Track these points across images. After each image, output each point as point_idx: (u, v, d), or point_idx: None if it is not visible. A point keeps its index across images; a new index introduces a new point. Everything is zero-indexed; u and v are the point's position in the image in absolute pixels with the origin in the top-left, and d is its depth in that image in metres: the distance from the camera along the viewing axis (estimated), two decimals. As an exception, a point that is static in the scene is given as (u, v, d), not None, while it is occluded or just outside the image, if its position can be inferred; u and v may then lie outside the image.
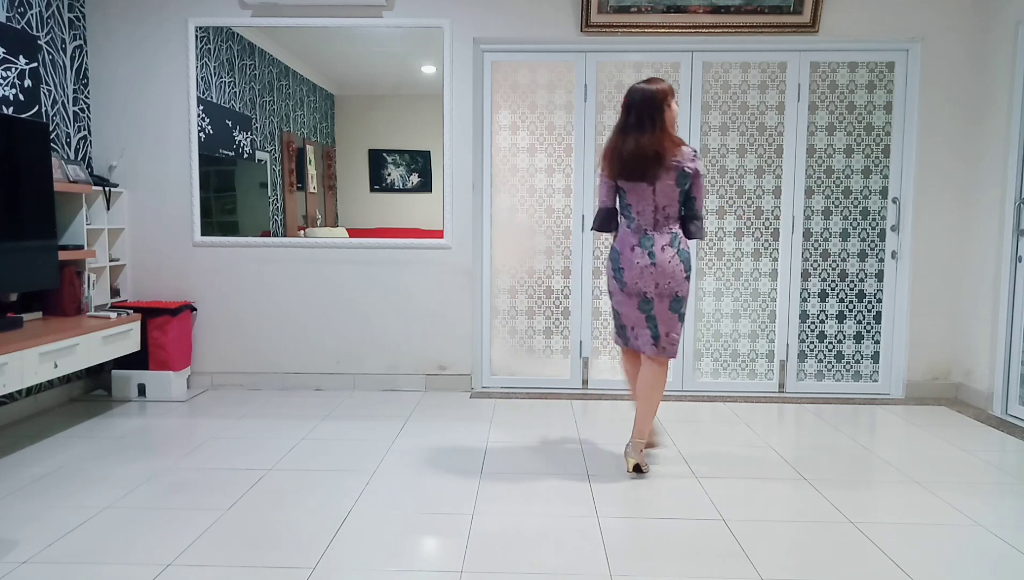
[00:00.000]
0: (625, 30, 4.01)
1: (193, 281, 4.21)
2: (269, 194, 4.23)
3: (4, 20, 3.45)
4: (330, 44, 4.17)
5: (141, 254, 4.21)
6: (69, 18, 3.94)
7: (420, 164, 4.22)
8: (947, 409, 3.94)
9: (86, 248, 3.73)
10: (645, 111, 2.70)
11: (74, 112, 3.99)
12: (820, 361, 4.24)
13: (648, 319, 2.80)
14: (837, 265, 4.20)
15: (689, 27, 3.99)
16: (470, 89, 4.09)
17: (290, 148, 4.24)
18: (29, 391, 3.70)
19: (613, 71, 4.15)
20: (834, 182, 4.16)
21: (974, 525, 2.42)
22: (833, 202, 4.17)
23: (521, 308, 4.29)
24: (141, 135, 4.15)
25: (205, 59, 4.11)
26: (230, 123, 4.16)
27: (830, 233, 4.19)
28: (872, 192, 4.16)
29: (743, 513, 2.50)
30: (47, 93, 3.76)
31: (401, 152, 4.23)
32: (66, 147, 3.92)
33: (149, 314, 3.91)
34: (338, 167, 4.27)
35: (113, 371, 3.98)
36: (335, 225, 4.27)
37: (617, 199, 2.85)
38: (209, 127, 4.14)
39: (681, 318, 2.81)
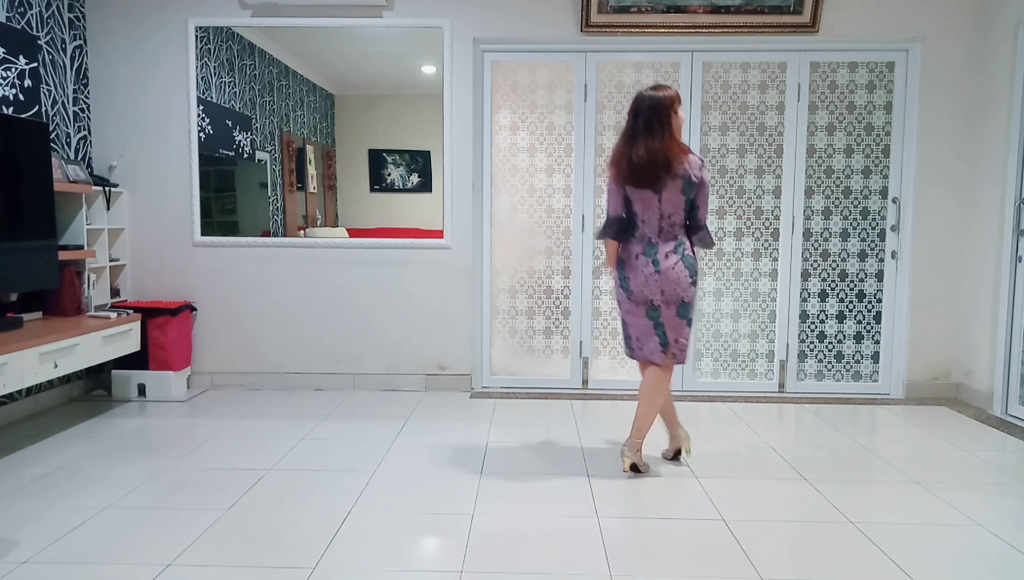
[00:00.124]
0: (625, 30, 4.01)
1: (193, 281, 4.21)
2: (269, 194, 4.23)
3: (4, 20, 3.46)
4: (330, 44, 4.17)
5: (141, 254, 4.21)
6: (69, 18, 3.94)
7: (420, 164, 4.22)
8: (947, 409, 3.94)
9: (86, 248, 3.73)
10: (654, 117, 2.71)
11: (74, 112, 3.99)
12: (820, 361, 4.24)
13: (656, 326, 2.81)
14: (837, 265, 4.20)
15: (689, 27, 3.99)
16: (470, 89, 4.09)
17: (290, 148, 4.24)
18: (29, 391, 3.70)
19: (613, 71, 4.15)
20: (834, 182, 4.16)
21: (974, 525, 2.42)
22: (833, 202, 4.17)
23: (521, 308, 4.29)
24: (141, 135, 4.15)
25: (205, 59, 4.11)
26: (230, 123, 4.16)
27: (830, 233, 4.19)
28: (872, 192, 4.16)
29: (743, 513, 2.50)
30: (47, 93, 3.76)
31: (401, 152, 4.23)
32: (66, 147, 3.93)
33: (149, 314, 3.91)
34: (338, 167, 4.27)
35: (113, 371, 3.98)
36: (335, 225, 4.27)
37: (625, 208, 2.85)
38: (209, 127, 4.14)
39: (689, 323, 2.82)
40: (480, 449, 3.17)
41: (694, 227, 2.79)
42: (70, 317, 3.60)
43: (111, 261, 4.04)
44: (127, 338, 3.66)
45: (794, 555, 2.20)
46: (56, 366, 3.11)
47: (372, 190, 4.25)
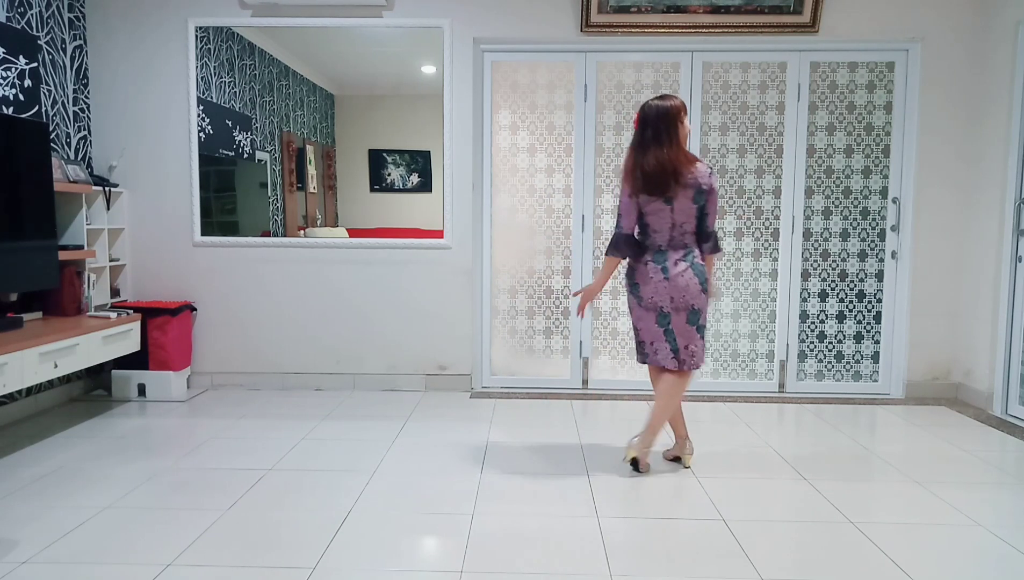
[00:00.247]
0: (625, 30, 4.01)
1: (193, 281, 4.21)
2: (269, 194, 4.23)
3: (4, 20, 3.46)
4: (330, 44, 4.17)
5: (141, 254, 4.21)
6: (69, 18, 3.94)
7: (420, 164, 4.22)
8: (947, 409, 3.94)
9: (86, 248, 3.73)
10: (661, 126, 2.72)
11: (74, 112, 3.99)
12: (820, 361, 4.24)
13: (667, 333, 2.82)
14: (837, 265, 4.20)
15: (689, 27, 3.99)
16: (470, 89, 4.09)
17: (290, 148, 4.24)
18: (29, 391, 3.70)
19: (613, 71, 4.15)
20: (834, 182, 4.16)
21: (974, 525, 2.42)
22: (833, 202, 4.17)
23: (521, 308, 4.29)
24: (141, 135, 4.15)
25: (205, 59, 4.11)
26: (230, 123, 4.16)
27: (830, 233, 4.19)
28: (872, 192, 4.16)
29: (743, 513, 2.50)
30: (47, 93, 3.76)
31: (401, 152, 4.23)
32: (66, 147, 3.93)
33: (149, 314, 3.91)
34: (338, 167, 4.27)
35: (113, 371, 3.98)
36: (335, 225, 4.27)
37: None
38: (209, 127, 4.14)
39: (699, 330, 2.82)
40: (480, 449, 3.17)
41: (703, 234, 2.81)
42: (70, 317, 3.60)
43: (111, 261, 4.04)
44: (127, 338, 3.66)
45: (794, 555, 2.20)
46: (56, 366, 3.11)
47: (372, 190, 4.25)
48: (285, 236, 4.23)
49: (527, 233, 4.25)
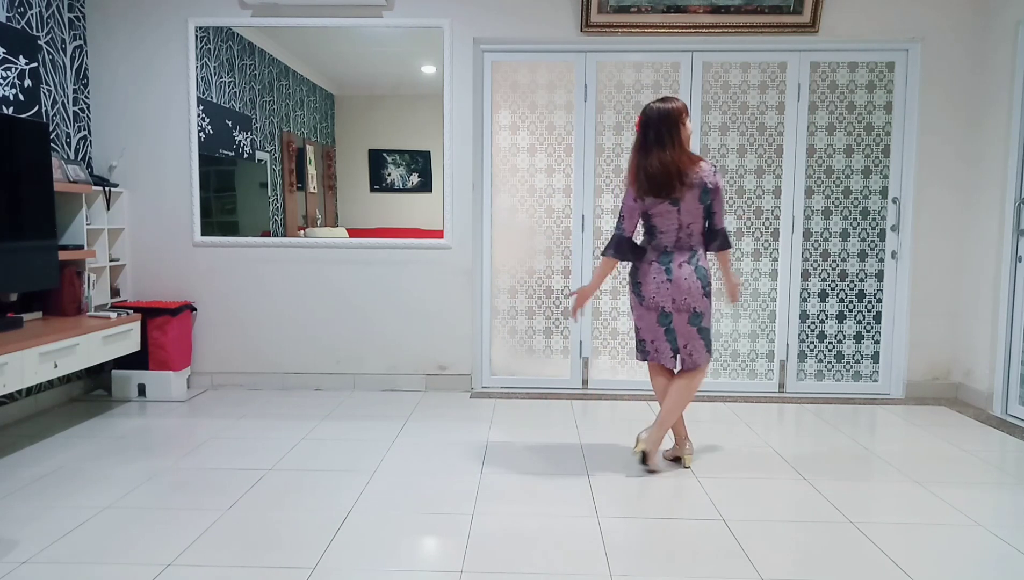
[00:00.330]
0: (625, 30, 4.01)
1: (193, 281, 4.21)
2: (269, 194, 4.23)
3: (4, 20, 3.45)
4: (330, 44, 4.17)
5: (141, 254, 4.21)
6: (69, 18, 3.94)
7: (420, 164, 4.22)
8: (947, 409, 3.94)
9: (86, 248, 3.73)
10: (663, 128, 2.74)
11: (74, 112, 3.99)
12: (820, 361, 4.24)
13: (667, 332, 2.85)
14: (837, 265, 4.20)
15: (689, 27, 3.99)
16: (470, 89, 4.09)
17: (290, 148, 4.24)
18: (29, 391, 3.70)
19: (613, 71, 4.15)
20: (834, 182, 4.16)
21: (974, 525, 2.42)
22: (833, 202, 4.17)
23: (521, 308, 4.29)
24: (141, 135, 4.15)
25: (205, 59, 4.11)
26: (230, 123, 4.16)
27: (830, 233, 4.19)
28: (872, 192, 4.16)
29: (743, 513, 2.50)
30: (47, 93, 3.76)
31: (401, 152, 4.23)
32: (66, 147, 3.93)
33: (149, 314, 3.91)
34: (338, 167, 4.27)
35: (113, 371, 3.98)
36: (335, 225, 4.27)
37: (640, 222, 2.87)
38: (209, 127, 4.14)
39: (701, 332, 2.84)
40: (480, 449, 3.17)
41: (712, 232, 2.82)
42: (70, 317, 3.60)
43: (111, 261, 4.04)
44: (127, 338, 3.66)
45: (794, 555, 2.20)
46: (56, 366, 3.11)
47: (372, 190, 4.25)
48: (285, 236, 4.23)
49: (527, 233, 4.25)
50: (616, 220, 2.91)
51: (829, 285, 4.21)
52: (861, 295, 4.21)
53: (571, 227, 4.22)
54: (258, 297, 4.22)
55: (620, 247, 2.87)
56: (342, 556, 2.16)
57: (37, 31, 3.68)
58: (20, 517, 2.41)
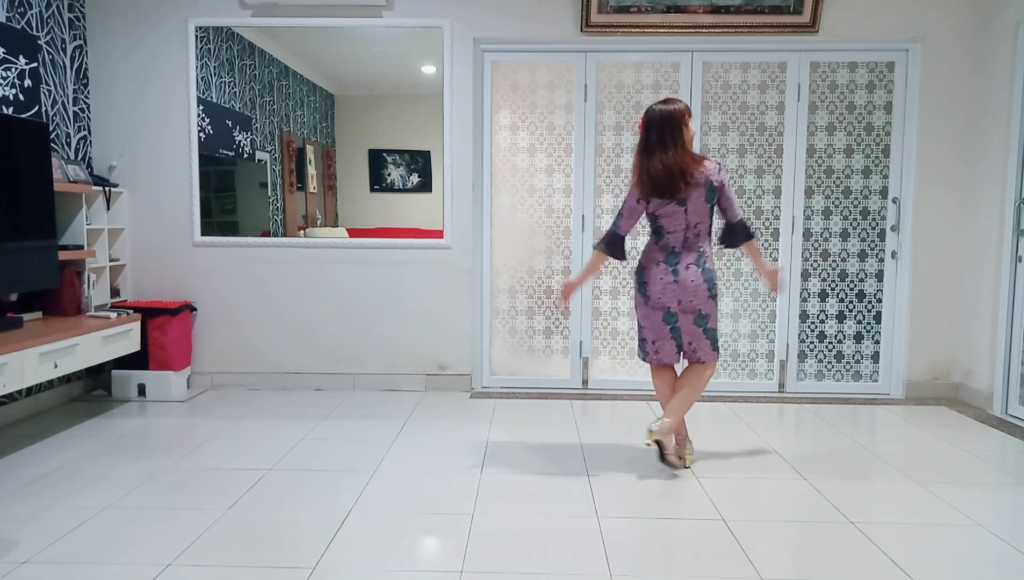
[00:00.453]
0: (625, 30, 4.01)
1: (193, 281, 4.21)
2: (269, 194, 4.23)
3: (4, 20, 3.45)
4: (330, 44, 4.17)
5: (141, 254, 4.21)
6: (69, 18, 3.94)
7: (420, 164, 4.22)
8: (947, 409, 3.94)
9: (86, 248, 3.73)
10: (665, 130, 2.75)
11: (74, 112, 3.99)
12: (820, 361, 4.24)
13: (672, 331, 2.86)
14: (837, 265, 4.20)
15: (689, 27, 3.99)
16: (470, 89, 4.09)
17: (290, 148, 4.24)
18: (29, 391, 3.70)
19: (613, 71, 4.15)
20: (834, 182, 4.16)
21: (974, 525, 2.42)
22: (833, 202, 4.17)
23: (521, 308, 4.29)
24: (141, 135, 4.15)
25: (205, 59, 4.11)
26: (230, 123, 4.16)
27: (830, 233, 4.19)
28: (872, 192, 4.16)
29: (743, 513, 2.50)
30: (47, 93, 3.76)
31: (401, 152, 4.23)
32: (66, 147, 3.93)
33: (149, 314, 3.91)
34: (338, 167, 4.27)
35: (113, 371, 3.98)
36: (335, 225, 4.27)
37: (648, 223, 2.89)
38: (209, 127, 4.14)
39: (707, 332, 2.85)
40: (480, 449, 3.17)
41: (730, 227, 2.83)
42: (70, 317, 3.60)
43: (111, 261, 4.04)
44: (127, 338, 3.66)
45: (794, 555, 2.20)
46: (56, 366, 3.11)
47: (372, 190, 4.25)
48: (285, 236, 4.23)
49: (527, 233, 4.24)
50: (615, 217, 2.91)
51: (829, 285, 4.21)
52: (861, 295, 4.21)
53: (571, 227, 4.22)
54: (258, 297, 4.22)
55: (613, 244, 2.89)
56: (342, 556, 2.16)
57: (37, 31, 3.68)
58: (20, 517, 2.42)
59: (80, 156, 4.04)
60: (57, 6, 3.83)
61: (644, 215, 2.87)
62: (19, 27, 3.55)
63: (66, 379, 3.96)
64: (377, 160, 4.24)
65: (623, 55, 4.12)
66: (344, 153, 4.26)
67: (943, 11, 3.98)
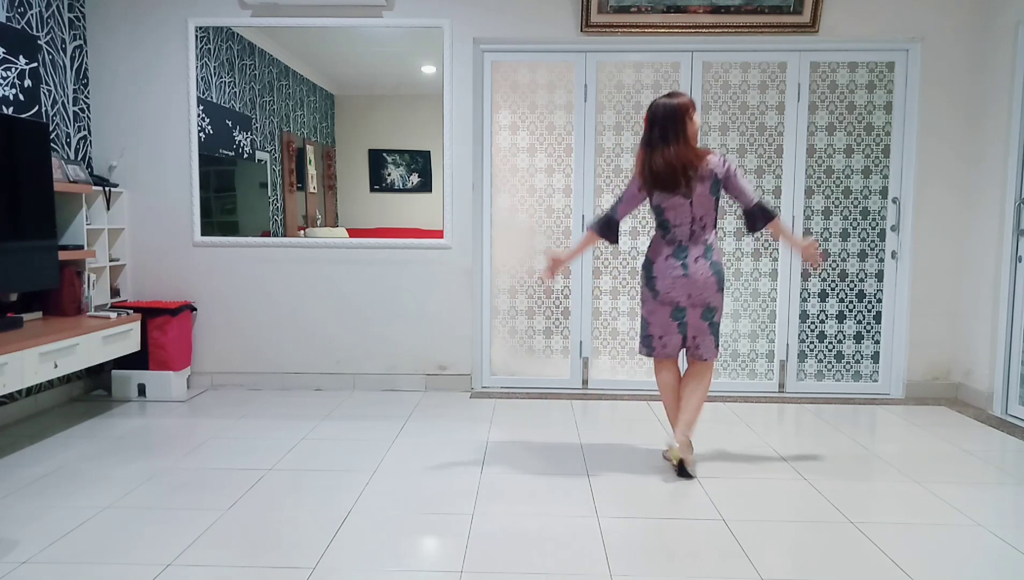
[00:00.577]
0: (625, 30, 4.01)
1: (193, 281, 4.21)
2: (269, 194, 4.23)
3: (4, 20, 3.45)
4: (330, 44, 4.17)
5: (141, 254, 4.21)
6: (69, 18, 3.94)
7: (420, 164, 4.22)
8: (947, 409, 3.94)
9: (86, 248, 3.73)
10: (669, 124, 2.75)
11: (74, 112, 3.99)
12: (820, 361, 4.24)
13: (680, 326, 2.86)
14: (837, 265, 4.20)
15: (689, 27, 3.99)
16: (470, 89, 4.09)
17: (290, 148, 4.24)
18: (29, 391, 3.70)
19: (613, 71, 4.15)
20: (834, 182, 4.16)
21: (974, 525, 2.42)
22: (833, 202, 4.17)
23: (521, 308, 4.29)
24: (141, 135, 4.15)
25: (205, 59, 4.11)
26: (230, 123, 4.16)
27: (830, 233, 4.19)
28: (872, 192, 4.16)
29: (743, 513, 2.50)
30: (47, 93, 3.76)
31: (401, 152, 4.23)
32: (66, 147, 3.93)
33: (149, 314, 3.91)
34: (338, 167, 4.27)
35: (113, 371, 3.98)
36: (335, 225, 4.27)
37: (652, 217, 2.90)
38: (209, 127, 4.14)
39: (712, 327, 2.85)
40: (480, 449, 3.17)
41: (749, 212, 2.82)
42: (70, 317, 3.60)
43: (111, 261, 4.04)
44: (127, 338, 3.66)
45: (794, 555, 2.20)
46: (56, 366, 3.11)
47: (372, 190, 4.25)
48: (285, 236, 4.23)
49: (527, 233, 4.24)
50: (614, 201, 2.92)
51: (829, 285, 4.21)
52: (861, 295, 4.21)
53: (571, 227, 4.22)
54: (258, 297, 4.22)
55: (606, 226, 2.92)
56: (342, 556, 2.16)
57: (37, 31, 3.68)
58: (20, 517, 2.41)
59: (80, 156, 4.04)
60: (57, 6, 3.83)
61: (649, 208, 2.88)
62: (19, 27, 3.55)
63: (66, 379, 3.96)
64: (377, 160, 4.24)
65: (623, 55, 4.12)
66: (344, 153, 4.26)
67: (943, 11, 3.98)
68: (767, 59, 4.10)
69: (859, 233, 4.19)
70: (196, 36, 4.08)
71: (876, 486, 2.79)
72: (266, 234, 4.22)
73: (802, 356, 4.24)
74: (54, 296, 3.62)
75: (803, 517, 2.49)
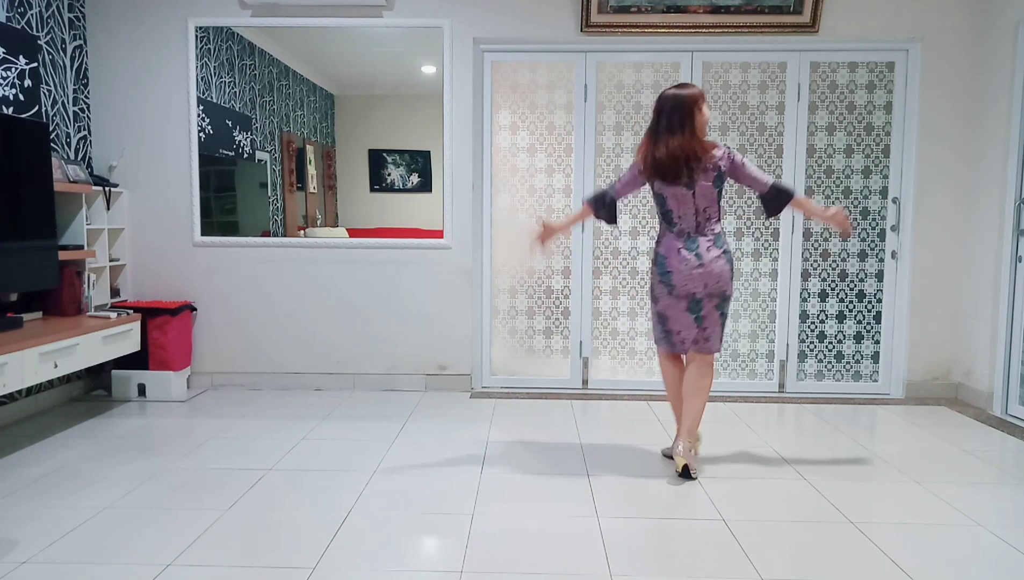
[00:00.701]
0: (625, 30, 4.01)
1: (193, 281, 4.21)
2: (269, 194, 4.23)
3: (4, 20, 3.45)
4: (330, 44, 4.17)
5: (141, 254, 4.21)
6: (69, 18, 3.94)
7: (420, 164, 4.22)
8: (947, 409, 3.94)
9: (86, 248, 3.73)
10: (675, 115, 2.74)
11: (74, 112, 3.99)
12: (820, 361, 4.24)
13: (696, 320, 2.84)
14: (837, 265, 4.20)
15: (689, 27, 3.99)
16: (470, 89, 4.09)
17: (290, 148, 4.24)
18: (29, 391, 3.70)
19: (613, 71, 4.15)
20: (834, 182, 4.16)
21: (974, 525, 2.42)
22: (833, 202, 4.17)
23: (521, 308, 4.29)
24: (141, 135, 4.15)
25: (205, 59, 4.11)
26: (230, 123, 4.16)
27: (830, 233, 4.19)
28: (872, 192, 4.17)
29: (743, 513, 2.50)
30: (47, 93, 3.76)
31: (401, 152, 4.23)
32: (66, 147, 3.92)
33: (149, 314, 3.91)
34: (338, 167, 4.27)
35: (113, 371, 3.98)
36: (335, 225, 4.27)
37: (655, 208, 2.90)
38: (209, 127, 4.14)
39: (722, 318, 2.85)
40: (480, 449, 3.17)
41: (765, 197, 2.79)
42: (70, 317, 3.60)
43: (111, 261, 4.04)
44: (127, 338, 3.66)
45: (794, 555, 2.20)
46: (56, 366, 3.11)
47: (372, 190, 4.25)
48: (285, 236, 4.23)
49: (527, 233, 4.24)
50: (613, 180, 2.94)
51: (829, 285, 4.21)
52: (861, 295, 4.21)
53: (571, 227, 4.22)
54: (258, 297, 4.22)
55: (601, 201, 2.94)
56: (342, 556, 2.16)
57: (37, 31, 3.68)
58: (20, 517, 2.41)
59: (80, 156, 4.04)
60: (57, 6, 3.83)
61: (651, 196, 2.88)
62: (19, 27, 3.55)
63: (66, 379, 3.96)
64: (377, 160, 4.24)
65: (623, 55, 4.12)
66: (344, 153, 4.26)
67: (943, 11, 3.98)
68: (767, 59, 4.10)
69: (859, 233, 4.19)
70: (196, 36, 4.08)
71: (876, 486, 2.79)
72: (266, 234, 4.22)
73: (802, 356, 4.24)
74: (54, 296, 3.62)
75: (803, 517, 2.49)
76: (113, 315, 3.60)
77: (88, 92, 4.11)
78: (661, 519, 2.45)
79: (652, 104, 2.85)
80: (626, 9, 3.97)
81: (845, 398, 4.14)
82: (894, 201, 4.14)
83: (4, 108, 3.43)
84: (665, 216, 2.86)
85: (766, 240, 4.19)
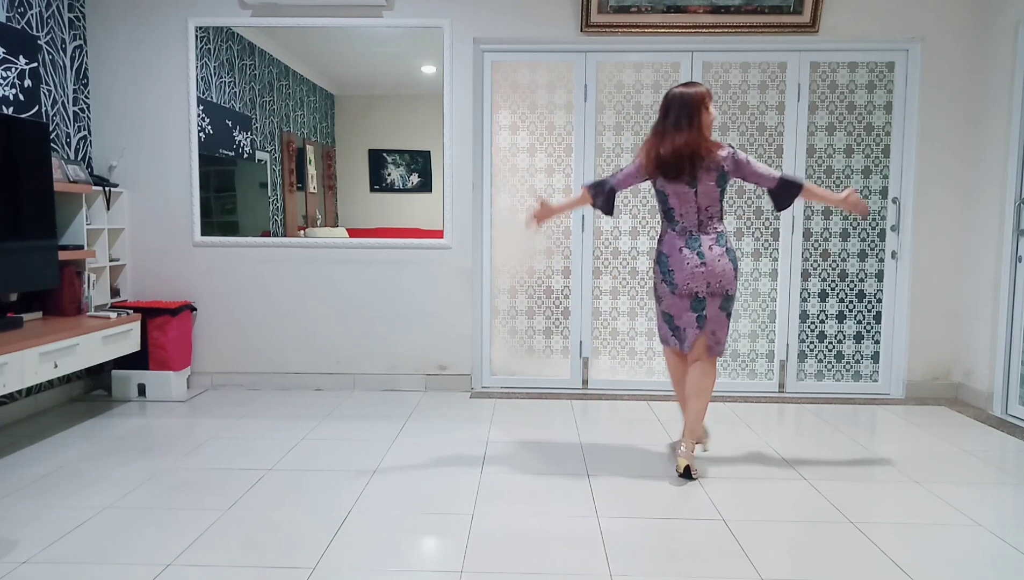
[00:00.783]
0: (625, 30, 4.01)
1: (193, 281, 4.21)
2: (269, 194, 4.23)
3: (4, 20, 3.45)
4: (330, 44, 4.17)
5: (141, 254, 4.21)
6: (69, 18, 3.94)
7: (420, 164, 4.22)
8: (947, 409, 3.94)
9: (86, 248, 3.73)
10: (682, 114, 2.75)
11: (74, 112, 3.99)
12: (820, 361, 4.24)
13: (699, 319, 2.84)
14: (837, 265, 4.20)
15: (689, 27, 3.99)
16: (470, 89, 4.09)
17: (290, 148, 4.24)
18: (29, 391, 3.70)
19: (613, 71, 4.15)
20: (834, 182, 4.16)
21: (974, 525, 2.42)
22: (833, 202, 4.17)
23: (521, 308, 4.29)
24: (141, 135, 4.15)
25: (205, 59, 4.11)
26: (230, 123, 4.16)
27: (830, 233, 4.19)
28: (872, 192, 4.16)
29: (743, 513, 2.50)
30: (47, 93, 3.76)
31: (401, 152, 4.23)
32: (66, 147, 3.92)
33: (149, 314, 3.91)
34: (338, 167, 4.27)
35: (113, 371, 3.98)
36: (335, 225, 4.27)
37: (657, 205, 2.91)
38: (209, 127, 4.14)
39: (728, 317, 2.85)
40: (480, 449, 3.17)
41: (774, 192, 2.80)
42: (70, 317, 3.60)
43: (111, 261, 4.04)
44: (127, 338, 3.66)
45: (794, 555, 2.20)
46: (56, 366, 3.11)
47: (372, 190, 4.25)
48: (285, 236, 4.23)
49: (527, 233, 4.24)
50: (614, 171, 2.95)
51: (829, 285, 4.21)
52: (861, 295, 4.21)
53: (571, 227, 4.22)
54: (258, 297, 4.22)
55: (600, 188, 2.95)
56: (342, 556, 2.16)
57: (37, 31, 3.68)
58: (20, 517, 2.41)
59: (80, 156, 4.04)
60: (57, 6, 3.83)
61: (654, 192, 2.88)
62: (19, 27, 3.55)
63: (66, 379, 3.96)
64: (377, 160, 4.24)
65: (623, 55, 4.12)
66: (344, 153, 4.26)
67: (943, 11, 3.98)
68: (767, 59, 4.10)
69: (859, 233, 4.19)
70: (196, 36, 4.08)
71: (876, 486, 2.79)
72: (266, 234, 4.22)
73: (802, 356, 4.24)
74: (54, 296, 3.62)
75: (803, 517, 2.49)
76: (113, 315, 3.60)
77: (88, 92, 4.11)
78: (661, 519, 2.45)
79: (652, 104, 2.86)
80: (626, 9, 3.97)
81: (845, 398, 4.14)
82: (894, 201, 4.14)
83: (4, 108, 3.43)
84: (666, 214, 2.86)
85: (766, 240, 4.19)
